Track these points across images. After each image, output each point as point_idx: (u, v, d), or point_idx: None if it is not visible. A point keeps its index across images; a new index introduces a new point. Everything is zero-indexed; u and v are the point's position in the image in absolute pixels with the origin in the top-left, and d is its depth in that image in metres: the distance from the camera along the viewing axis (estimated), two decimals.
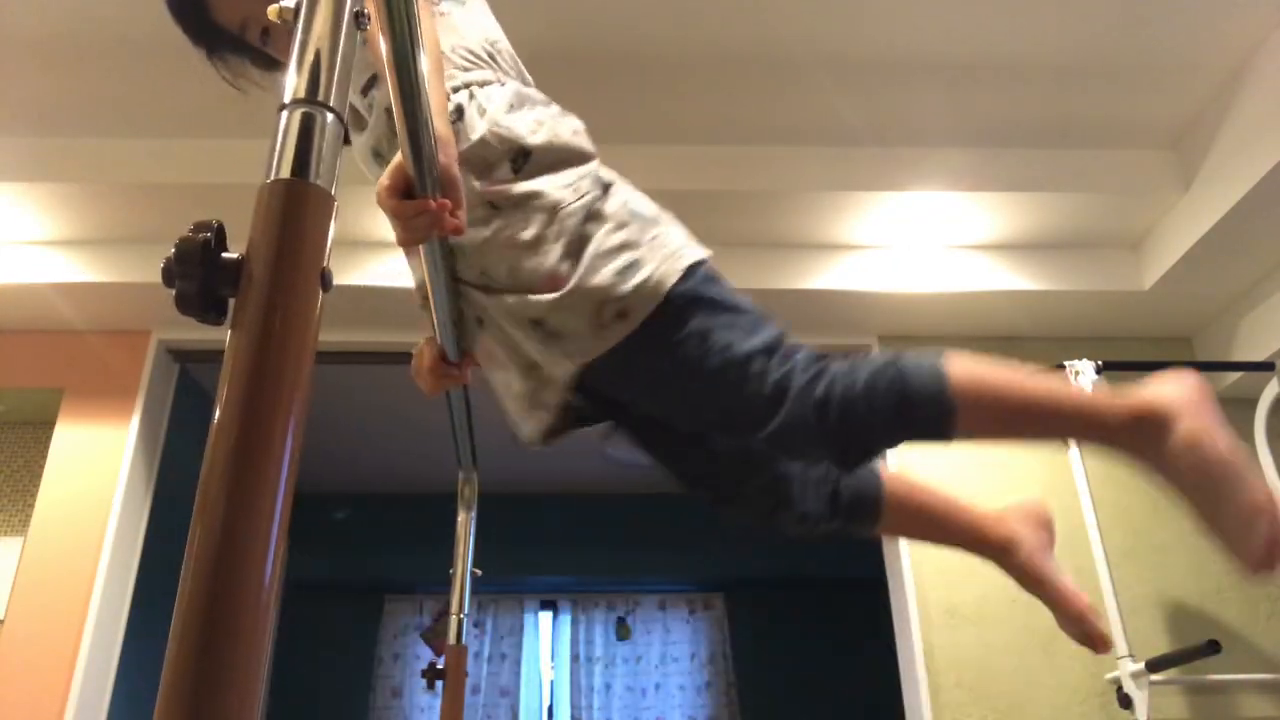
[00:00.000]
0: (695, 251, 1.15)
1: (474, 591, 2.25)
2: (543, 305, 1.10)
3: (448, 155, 0.98)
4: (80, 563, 2.76)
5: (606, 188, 1.19)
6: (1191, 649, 2.42)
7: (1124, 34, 2.49)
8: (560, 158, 1.17)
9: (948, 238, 3.01)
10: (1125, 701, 2.60)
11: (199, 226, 0.54)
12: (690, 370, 1.09)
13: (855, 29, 2.47)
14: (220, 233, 0.55)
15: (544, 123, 1.19)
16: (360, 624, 5.17)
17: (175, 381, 3.19)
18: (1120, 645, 2.62)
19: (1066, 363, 2.75)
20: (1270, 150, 2.44)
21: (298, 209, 0.55)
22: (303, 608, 4.69)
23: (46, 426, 2.95)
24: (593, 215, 1.14)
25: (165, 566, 3.01)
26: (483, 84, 1.21)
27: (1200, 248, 2.75)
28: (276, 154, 0.56)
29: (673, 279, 1.10)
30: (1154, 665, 2.52)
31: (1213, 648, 2.36)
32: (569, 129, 1.21)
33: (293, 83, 0.59)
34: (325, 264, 0.56)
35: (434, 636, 5.10)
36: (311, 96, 0.58)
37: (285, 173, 0.56)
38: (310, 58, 0.59)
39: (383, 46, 0.76)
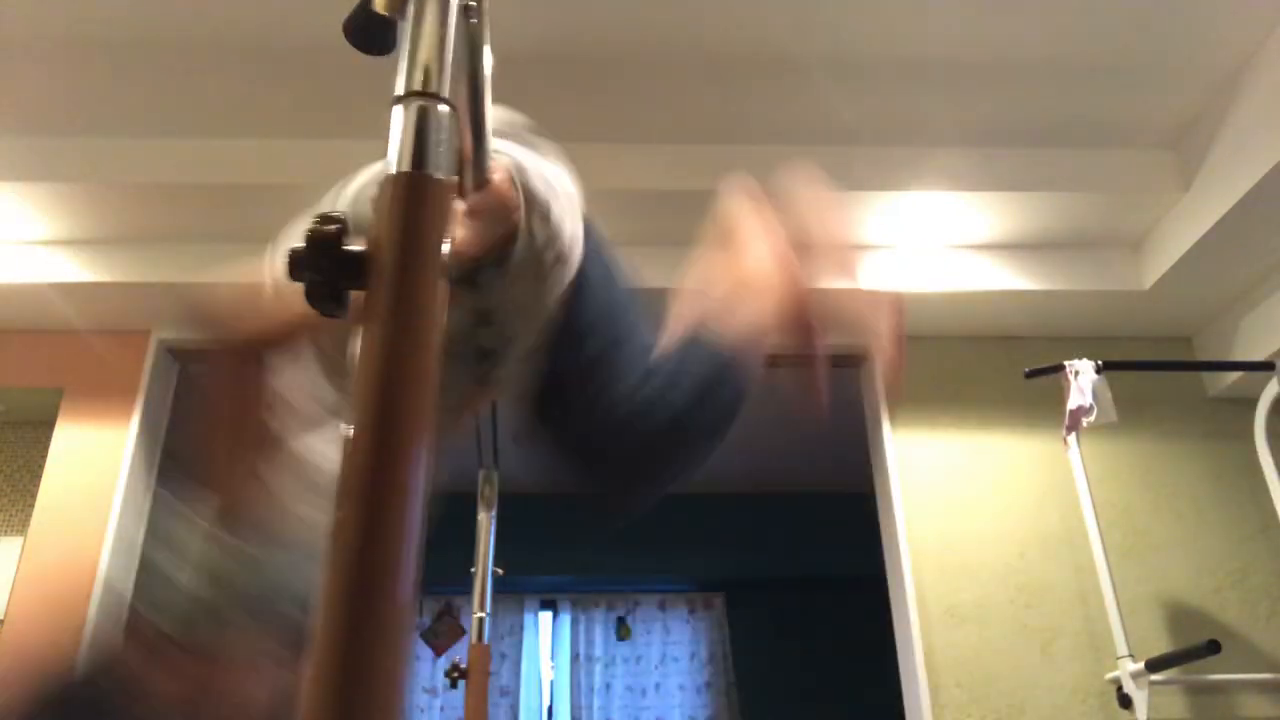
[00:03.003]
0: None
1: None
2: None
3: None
4: (80, 563, 2.75)
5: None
6: (1191, 649, 2.42)
7: (1124, 34, 2.49)
8: None
9: (948, 238, 3.01)
10: (1125, 701, 2.60)
11: (325, 219, 0.54)
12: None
13: (855, 29, 2.47)
14: (345, 226, 0.55)
15: None
16: None
17: (175, 381, 3.19)
18: (1120, 645, 2.62)
19: (1066, 363, 2.75)
20: (1270, 150, 2.44)
21: (420, 201, 0.56)
22: None
23: (46, 426, 2.95)
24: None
25: None
26: None
27: (1200, 248, 2.75)
28: (397, 147, 0.57)
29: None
30: (1154, 665, 2.52)
31: (1212, 648, 2.36)
32: None
33: (405, 76, 0.59)
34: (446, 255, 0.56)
35: (434, 636, 5.10)
36: (425, 88, 0.59)
37: (405, 165, 0.56)
38: (422, 50, 0.60)
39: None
